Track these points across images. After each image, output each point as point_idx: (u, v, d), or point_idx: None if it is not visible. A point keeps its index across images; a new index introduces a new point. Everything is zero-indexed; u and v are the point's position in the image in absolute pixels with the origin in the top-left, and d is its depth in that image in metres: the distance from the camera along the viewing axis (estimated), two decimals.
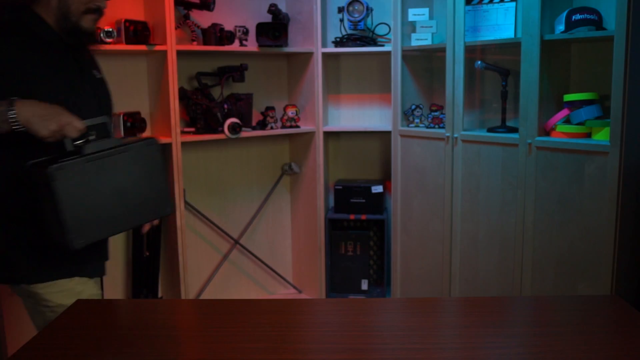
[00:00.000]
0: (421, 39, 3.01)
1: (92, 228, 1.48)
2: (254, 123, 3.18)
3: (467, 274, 2.84)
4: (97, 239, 1.52)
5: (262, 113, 3.26)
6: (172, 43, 2.70)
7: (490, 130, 2.73)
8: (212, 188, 3.18)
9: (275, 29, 3.05)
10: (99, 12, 1.61)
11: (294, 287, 3.63)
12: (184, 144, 2.85)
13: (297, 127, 3.29)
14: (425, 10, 3.04)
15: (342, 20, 3.23)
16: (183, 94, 2.90)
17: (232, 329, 1.34)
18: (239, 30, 3.06)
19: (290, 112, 3.27)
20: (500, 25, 2.74)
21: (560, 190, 2.38)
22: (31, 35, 1.55)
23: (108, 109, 1.77)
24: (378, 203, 3.36)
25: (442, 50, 2.82)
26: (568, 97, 2.43)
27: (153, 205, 1.60)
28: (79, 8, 1.56)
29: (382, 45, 3.21)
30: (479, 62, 2.75)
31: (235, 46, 3.04)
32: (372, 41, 3.23)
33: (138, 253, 2.88)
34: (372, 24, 3.26)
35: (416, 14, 3.04)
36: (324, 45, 3.23)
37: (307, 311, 1.46)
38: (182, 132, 2.89)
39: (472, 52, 2.84)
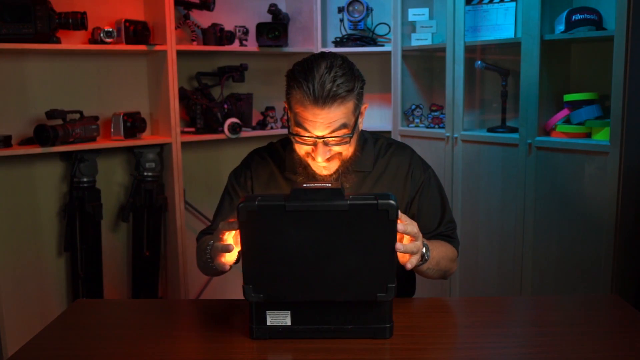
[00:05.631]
0: (421, 39, 3.01)
1: (273, 284, 1.24)
2: (254, 123, 3.18)
3: (467, 274, 2.84)
4: (280, 300, 1.26)
5: (262, 113, 3.26)
6: (172, 43, 2.70)
7: (490, 130, 2.73)
8: (212, 188, 3.18)
9: (275, 29, 3.05)
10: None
11: None
12: (184, 144, 2.85)
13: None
14: (425, 10, 3.03)
15: (342, 20, 3.23)
16: (183, 94, 2.90)
17: (232, 329, 1.34)
18: (239, 30, 3.06)
19: None
20: (500, 25, 2.74)
21: (560, 190, 2.38)
22: None
23: None
24: None
25: (442, 50, 2.82)
26: (568, 97, 2.43)
27: (362, 284, 1.22)
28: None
29: (382, 45, 3.21)
30: (479, 62, 2.75)
31: (235, 46, 3.04)
32: (372, 41, 3.22)
33: (138, 253, 2.88)
34: (372, 24, 3.26)
35: (416, 14, 3.04)
36: (324, 45, 3.23)
37: None
38: (182, 132, 2.89)
39: (472, 52, 2.84)
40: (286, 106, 1.47)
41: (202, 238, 1.59)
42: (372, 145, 1.60)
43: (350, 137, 1.42)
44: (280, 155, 1.63)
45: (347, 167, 1.50)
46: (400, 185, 1.58)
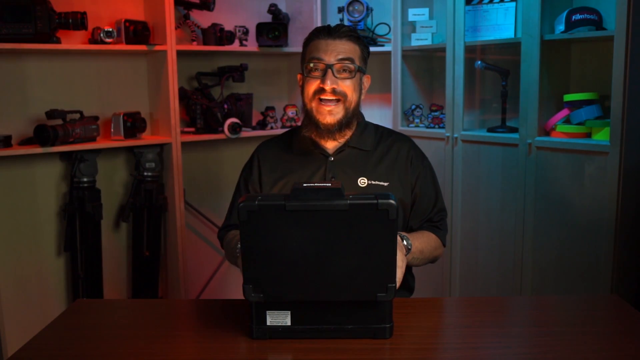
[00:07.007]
0: (421, 39, 3.01)
1: (273, 284, 1.24)
2: (254, 123, 3.18)
3: (467, 274, 2.84)
4: (280, 300, 1.26)
5: (262, 113, 3.26)
6: (172, 43, 2.70)
7: (490, 130, 2.73)
8: (212, 188, 3.18)
9: (275, 29, 3.05)
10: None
11: None
12: (184, 144, 2.84)
13: (298, 127, 3.29)
14: (425, 10, 3.04)
15: (342, 20, 3.22)
16: (183, 94, 2.90)
17: (232, 329, 1.34)
18: (239, 30, 3.06)
19: (290, 112, 3.27)
20: (500, 25, 2.74)
21: (560, 190, 2.38)
22: None
23: None
24: None
25: (442, 50, 2.82)
26: (568, 97, 2.43)
27: (362, 284, 1.22)
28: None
29: (382, 45, 3.21)
30: (479, 62, 2.75)
31: (235, 46, 3.04)
32: (372, 41, 3.22)
33: (138, 253, 2.88)
34: (372, 24, 3.26)
35: (416, 14, 3.04)
36: None
37: None
38: (182, 132, 2.89)
39: (472, 52, 2.84)
40: (300, 77, 1.68)
41: (226, 235, 1.72)
42: (372, 130, 1.76)
43: (356, 72, 1.60)
44: (286, 139, 1.78)
45: (349, 118, 1.63)
46: (402, 169, 1.70)
